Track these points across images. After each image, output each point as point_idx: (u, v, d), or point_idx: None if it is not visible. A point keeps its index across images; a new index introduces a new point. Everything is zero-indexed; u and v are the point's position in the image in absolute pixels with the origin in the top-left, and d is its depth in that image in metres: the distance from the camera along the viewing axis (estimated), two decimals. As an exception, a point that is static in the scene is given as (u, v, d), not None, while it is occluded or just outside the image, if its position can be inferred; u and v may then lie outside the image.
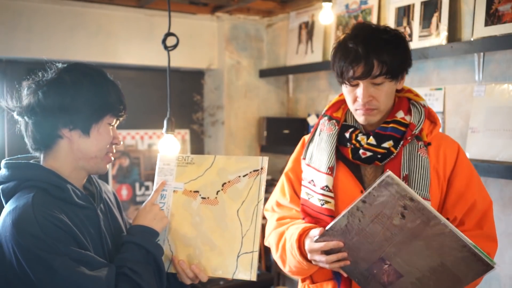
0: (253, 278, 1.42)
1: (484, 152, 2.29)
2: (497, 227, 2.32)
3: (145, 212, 1.48)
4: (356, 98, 1.52)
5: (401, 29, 2.67)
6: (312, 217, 1.60)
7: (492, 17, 2.25)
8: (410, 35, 2.63)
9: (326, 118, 1.66)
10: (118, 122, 1.48)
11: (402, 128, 1.54)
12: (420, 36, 2.59)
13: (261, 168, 1.47)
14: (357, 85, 1.51)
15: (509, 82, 2.25)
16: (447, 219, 1.47)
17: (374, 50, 1.46)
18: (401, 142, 1.54)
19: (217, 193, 1.49)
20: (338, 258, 1.43)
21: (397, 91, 1.60)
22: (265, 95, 3.80)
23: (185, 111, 3.75)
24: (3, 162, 1.39)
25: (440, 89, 2.56)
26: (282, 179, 1.77)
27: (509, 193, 2.28)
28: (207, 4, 3.48)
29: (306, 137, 1.76)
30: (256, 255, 1.44)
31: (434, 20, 2.52)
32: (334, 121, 1.63)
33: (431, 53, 2.47)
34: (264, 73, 3.74)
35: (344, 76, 1.51)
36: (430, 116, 1.61)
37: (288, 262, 1.62)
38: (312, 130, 1.72)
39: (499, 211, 2.31)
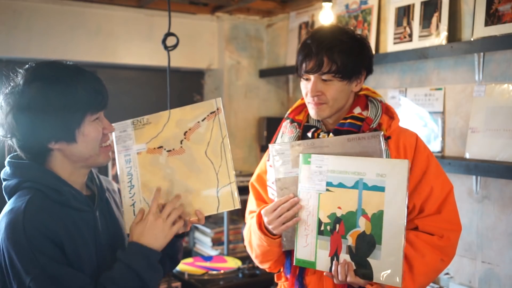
0: (237, 206, 1.49)
1: (484, 152, 2.29)
2: (497, 227, 2.33)
3: (146, 227, 1.39)
4: (307, 92, 1.60)
5: (401, 29, 2.68)
6: None
7: (492, 17, 2.25)
8: (410, 35, 2.63)
9: (288, 121, 1.73)
10: (103, 111, 1.42)
11: (359, 123, 1.59)
12: (420, 36, 2.58)
13: (217, 109, 1.52)
14: (309, 80, 1.59)
15: (509, 82, 2.25)
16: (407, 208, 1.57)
17: (326, 47, 1.54)
18: None
19: (181, 143, 1.52)
20: (291, 204, 1.51)
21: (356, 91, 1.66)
22: (265, 95, 3.80)
23: (185, 111, 3.74)
24: (7, 160, 1.40)
25: (440, 89, 2.56)
26: (250, 191, 1.82)
27: (509, 193, 2.28)
28: (207, 4, 3.48)
29: None
30: (234, 185, 1.50)
31: (434, 20, 2.52)
32: (295, 123, 1.70)
33: (431, 53, 2.47)
34: (264, 73, 3.74)
35: (299, 69, 1.62)
36: (388, 112, 1.65)
37: (253, 244, 1.67)
38: (275, 133, 1.76)
39: (499, 211, 2.31)
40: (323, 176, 1.48)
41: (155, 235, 1.39)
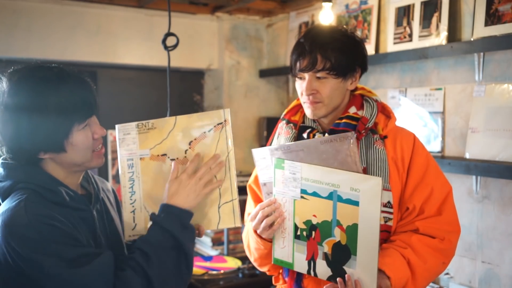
0: (238, 224, 1.48)
1: (484, 152, 2.29)
2: (497, 227, 2.32)
3: (180, 186, 1.40)
4: (302, 91, 1.59)
5: (401, 29, 2.68)
6: None
7: (492, 17, 2.25)
8: (410, 35, 2.63)
9: (284, 122, 1.71)
10: (92, 117, 1.38)
11: (354, 122, 1.58)
12: (420, 36, 2.58)
13: (225, 121, 1.48)
14: (304, 79, 1.58)
15: (509, 82, 2.25)
16: (407, 208, 1.56)
17: (319, 45, 1.53)
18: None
19: (185, 152, 1.48)
20: (272, 209, 1.50)
21: (352, 90, 1.65)
22: (265, 95, 3.80)
23: (185, 111, 3.68)
24: (0, 161, 1.38)
25: (440, 89, 2.56)
26: (248, 192, 1.81)
27: (509, 193, 2.28)
28: (207, 4, 3.48)
29: None
30: (236, 202, 1.48)
31: (434, 20, 2.52)
32: (291, 124, 1.68)
33: (431, 53, 2.46)
34: (264, 73, 3.74)
35: (293, 69, 1.59)
36: (385, 111, 1.64)
37: (251, 248, 1.68)
38: (272, 134, 1.76)
39: (499, 211, 2.31)
40: (297, 183, 1.45)
41: (187, 195, 1.40)
